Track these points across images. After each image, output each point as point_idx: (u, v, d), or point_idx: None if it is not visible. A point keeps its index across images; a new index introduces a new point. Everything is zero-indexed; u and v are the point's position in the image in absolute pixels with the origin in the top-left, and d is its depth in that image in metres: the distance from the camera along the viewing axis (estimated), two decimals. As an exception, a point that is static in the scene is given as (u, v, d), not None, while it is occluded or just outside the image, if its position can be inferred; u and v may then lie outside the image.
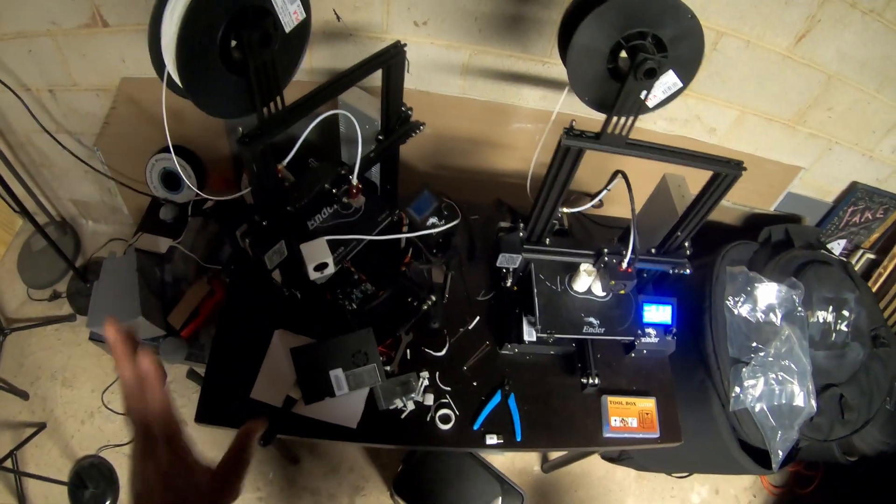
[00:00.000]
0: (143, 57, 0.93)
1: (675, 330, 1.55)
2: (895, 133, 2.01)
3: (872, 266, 2.45)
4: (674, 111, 1.87)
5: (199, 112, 1.00)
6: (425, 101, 1.75)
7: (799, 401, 1.69)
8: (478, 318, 1.60)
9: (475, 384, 1.50)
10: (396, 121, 1.38)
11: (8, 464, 2.08)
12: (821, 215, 2.34)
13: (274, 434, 1.37)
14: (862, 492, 2.37)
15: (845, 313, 1.88)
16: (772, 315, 1.78)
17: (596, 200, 1.44)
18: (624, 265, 1.37)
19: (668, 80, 1.10)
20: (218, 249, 1.90)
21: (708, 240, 1.83)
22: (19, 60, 1.82)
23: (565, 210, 1.47)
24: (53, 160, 2.27)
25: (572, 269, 1.46)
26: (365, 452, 2.37)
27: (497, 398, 1.46)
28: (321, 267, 1.32)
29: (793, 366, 1.70)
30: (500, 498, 1.79)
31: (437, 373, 1.49)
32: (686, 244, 1.46)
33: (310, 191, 1.33)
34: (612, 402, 1.52)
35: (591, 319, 1.44)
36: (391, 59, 1.22)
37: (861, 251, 2.44)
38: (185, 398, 2.32)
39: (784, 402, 1.69)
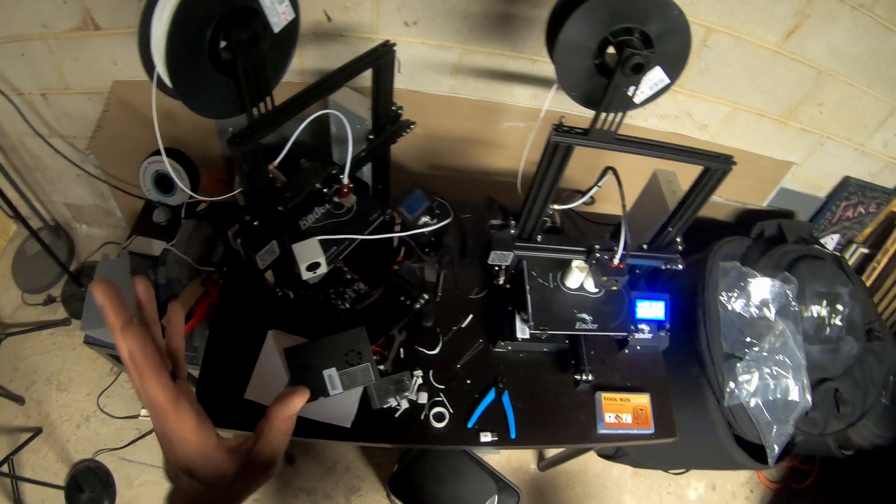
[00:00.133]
0: (134, 59, 0.94)
1: (668, 325, 1.56)
2: (887, 128, 2.01)
3: (866, 260, 2.46)
4: (665, 108, 1.88)
5: (191, 113, 1.00)
6: (416, 100, 1.76)
7: (794, 395, 1.70)
8: (471, 316, 1.60)
9: (469, 382, 1.50)
10: (387, 120, 1.38)
11: (4, 468, 2.08)
12: (814, 210, 2.35)
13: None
14: (858, 485, 2.37)
15: (839, 307, 1.89)
16: (765, 310, 1.78)
17: (587, 197, 1.44)
18: (615, 261, 1.37)
19: (656, 76, 1.10)
20: (211, 251, 1.89)
21: (701, 236, 1.83)
22: (11, 64, 1.82)
23: (556, 207, 1.47)
24: (46, 164, 2.27)
25: (564, 266, 1.47)
26: (360, 452, 2.37)
27: (491, 396, 1.46)
28: (313, 266, 1.32)
29: (787, 360, 1.70)
30: (496, 496, 1.79)
31: (431, 371, 1.49)
32: (678, 240, 1.46)
33: (301, 191, 1.33)
34: (606, 398, 1.52)
35: (584, 316, 1.44)
36: (380, 59, 1.22)
37: (855, 246, 2.45)
38: (180, 401, 2.32)
39: (779, 396, 1.70)
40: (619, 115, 1.13)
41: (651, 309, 1.53)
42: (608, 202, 1.72)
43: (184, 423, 0.61)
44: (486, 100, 1.82)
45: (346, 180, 1.35)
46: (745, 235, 2.00)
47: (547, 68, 1.72)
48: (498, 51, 1.68)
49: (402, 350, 1.50)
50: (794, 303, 1.78)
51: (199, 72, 0.97)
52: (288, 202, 1.30)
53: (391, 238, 1.51)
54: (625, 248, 1.36)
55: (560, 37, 1.04)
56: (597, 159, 1.38)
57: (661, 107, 1.87)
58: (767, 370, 1.69)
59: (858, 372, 1.91)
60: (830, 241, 2.42)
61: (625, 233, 1.34)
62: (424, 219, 1.50)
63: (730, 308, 1.76)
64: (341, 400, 1.41)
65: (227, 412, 1.38)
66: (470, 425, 1.44)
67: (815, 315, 1.86)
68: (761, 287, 1.78)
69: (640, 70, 1.03)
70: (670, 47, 1.06)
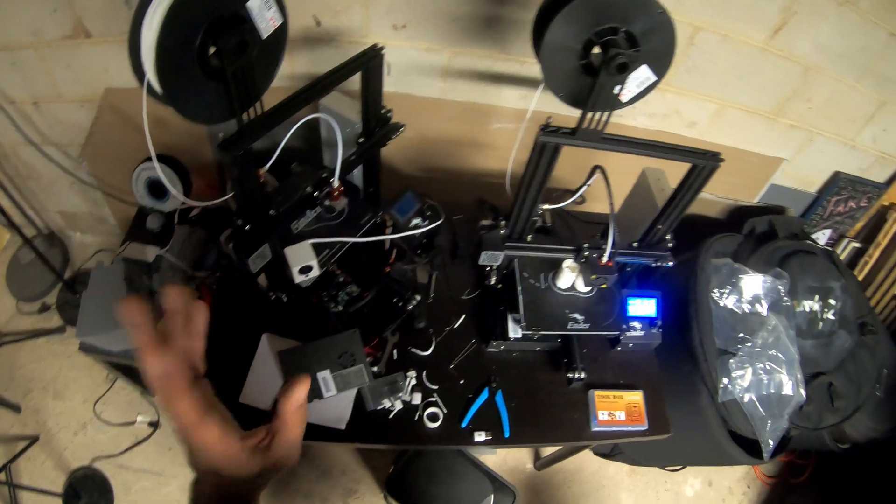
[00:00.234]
0: (125, 67, 0.94)
1: (660, 323, 1.57)
2: (875, 122, 2.03)
3: (858, 255, 2.47)
4: (653, 106, 1.89)
5: (182, 120, 1.01)
6: (406, 103, 1.76)
7: (787, 390, 1.70)
8: (463, 316, 1.61)
9: (462, 382, 1.50)
10: (376, 123, 1.39)
11: (2, 477, 2.08)
12: (805, 206, 2.36)
13: None
14: (855, 478, 2.38)
15: (831, 302, 1.90)
16: (757, 305, 1.79)
17: (576, 196, 1.45)
18: (604, 259, 1.38)
19: (642, 75, 1.11)
20: (205, 256, 1.89)
21: (693, 233, 1.84)
22: (3, 73, 1.83)
23: (547, 207, 1.48)
24: (39, 172, 2.27)
25: (555, 266, 1.48)
26: (357, 455, 2.38)
27: (484, 395, 1.47)
28: (306, 270, 1.33)
29: (780, 355, 1.71)
30: (492, 495, 1.80)
31: (424, 372, 1.50)
32: (668, 237, 1.47)
33: (292, 194, 1.34)
34: (599, 396, 1.53)
35: (576, 315, 1.45)
36: (369, 63, 1.23)
37: (846, 240, 2.46)
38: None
39: (773, 391, 1.70)
40: (606, 114, 1.14)
41: (642, 307, 1.54)
42: (600, 201, 1.72)
43: (209, 434, 0.63)
44: (475, 102, 1.83)
45: (336, 183, 1.35)
46: (736, 232, 2.01)
47: (535, 69, 1.71)
48: (486, 53, 1.69)
49: (395, 351, 1.51)
50: (786, 298, 1.79)
51: (189, 78, 0.97)
52: (279, 206, 1.31)
53: (383, 240, 1.52)
54: (613, 246, 1.37)
55: (545, 38, 1.05)
56: (587, 159, 1.39)
57: (649, 105, 1.88)
58: (761, 365, 1.70)
59: (852, 366, 1.92)
60: (822, 237, 2.43)
61: (613, 231, 1.35)
62: (416, 221, 1.51)
63: (722, 304, 1.77)
64: (336, 402, 1.42)
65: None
66: (464, 425, 1.44)
67: (808, 310, 1.87)
68: (753, 283, 1.79)
69: (624, 69, 1.04)
70: (655, 45, 1.07)
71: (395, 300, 1.50)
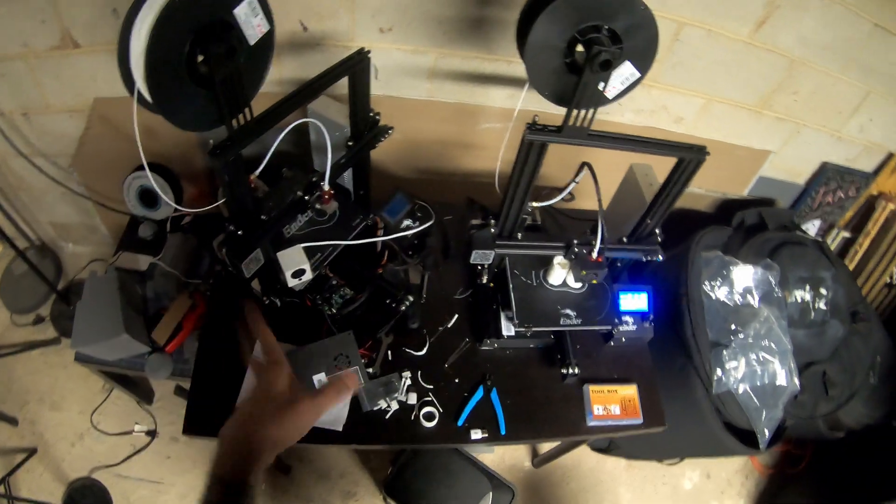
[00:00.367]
0: (114, 76, 0.95)
1: (652, 317, 1.57)
2: (861, 112, 2.04)
3: (848, 244, 2.49)
4: (640, 102, 1.90)
5: (172, 127, 1.01)
6: (394, 105, 1.77)
7: (781, 380, 1.72)
8: (456, 316, 1.61)
9: (457, 381, 1.51)
10: (365, 126, 1.39)
11: (0, 490, 2.07)
12: (794, 197, 2.38)
13: None
14: (851, 465, 2.40)
15: (823, 291, 1.91)
16: (749, 297, 1.81)
17: (565, 193, 1.46)
18: (594, 255, 1.39)
19: (626, 71, 1.12)
20: (198, 263, 1.90)
21: (683, 227, 1.86)
22: (-8, 85, 1.83)
23: (536, 205, 1.49)
24: (30, 183, 2.27)
25: (546, 263, 1.49)
26: (355, 457, 2.38)
27: (479, 394, 1.48)
28: (299, 273, 1.34)
29: (773, 346, 1.72)
30: (491, 493, 1.81)
31: (419, 372, 1.50)
32: (657, 231, 1.48)
33: (283, 199, 1.34)
34: (593, 390, 1.54)
35: (568, 311, 1.46)
36: (355, 67, 1.23)
37: (836, 230, 2.48)
38: (173, 415, 2.33)
39: (767, 381, 1.72)
40: (592, 111, 1.15)
41: (634, 301, 1.55)
42: (590, 197, 1.73)
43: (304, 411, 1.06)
44: (462, 102, 1.84)
45: (326, 187, 1.36)
46: (726, 225, 2.02)
47: (522, 69, 1.72)
48: (473, 54, 1.70)
49: (389, 352, 1.51)
50: (777, 289, 1.80)
51: (179, 86, 0.98)
52: (271, 211, 1.31)
53: (374, 242, 1.52)
54: (603, 241, 1.38)
55: (529, 38, 1.06)
56: (574, 156, 1.40)
57: (636, 102, 1.89)
58: (754, 356, 1.71)
59: (845, 354, 1.94)
60: (812, 227, 2.45)
61: (601, 226, 1.36)
62: (406, 222, 1.52)
63: (713, 297, 1.78)
64: (332, 404, 1.42)
65: (219, 422, 1.38)
66: (460, 423, 1.45)
67: (799, 300, 1.89)
68: (744, 275, 1.81)
69: (608, 66, 1.05)
70: (638, 42, 1.08)
71: (388, 301, 1.50)
